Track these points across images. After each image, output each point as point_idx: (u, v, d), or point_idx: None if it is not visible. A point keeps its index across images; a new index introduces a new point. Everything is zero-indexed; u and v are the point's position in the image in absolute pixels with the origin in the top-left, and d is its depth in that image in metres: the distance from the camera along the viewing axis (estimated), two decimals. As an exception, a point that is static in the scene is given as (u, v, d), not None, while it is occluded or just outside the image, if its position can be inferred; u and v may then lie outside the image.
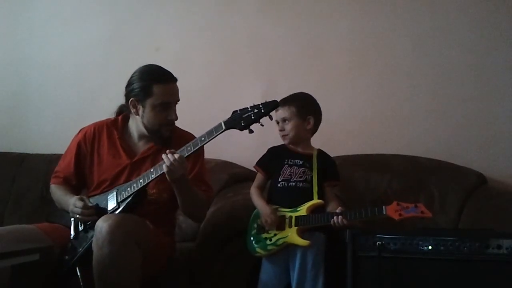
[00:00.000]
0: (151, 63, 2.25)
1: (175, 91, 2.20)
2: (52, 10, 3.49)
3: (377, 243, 2.00)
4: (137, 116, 2.21)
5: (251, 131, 1.95)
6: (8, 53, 3.55)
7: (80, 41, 3.42)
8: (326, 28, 3.05)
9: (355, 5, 3.02)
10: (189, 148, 2.02)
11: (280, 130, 2.31)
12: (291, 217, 2.18)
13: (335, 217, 2.08)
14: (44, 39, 3.50)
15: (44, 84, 3.47)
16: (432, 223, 2.55)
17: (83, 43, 3.41)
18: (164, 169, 1.99)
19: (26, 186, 3.10)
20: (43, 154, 3.21)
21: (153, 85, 2.14)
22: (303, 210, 2.18)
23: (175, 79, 2.21)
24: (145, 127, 2.21)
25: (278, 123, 2.31)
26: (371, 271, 2.00)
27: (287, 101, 2.31)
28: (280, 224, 2.19)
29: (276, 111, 2.25)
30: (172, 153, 2.00)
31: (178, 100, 2.22)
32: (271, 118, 1.98)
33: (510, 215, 2.37)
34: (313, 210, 2.18)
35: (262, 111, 1.92)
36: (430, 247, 1.97)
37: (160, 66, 2.22)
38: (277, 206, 2.24)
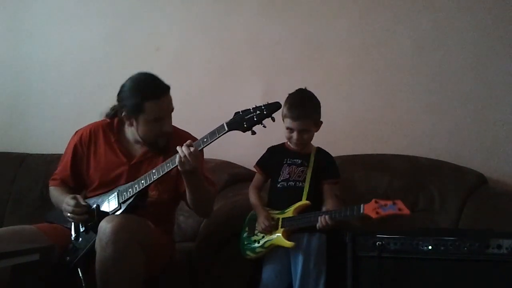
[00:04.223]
0: (143, 72, 2.19)
1: (168, 103, 2.15)
2: (52, 10, 3.49)
3: (377, 243, 2.00)
4: (132, 127, 2.19)
5: (253, 133, 1.94)
6: (8, 53, 3.55)
7: (80, 41, 3.42)
8: (326, 28, 3.05)
9: (355, 5, 3.02)
10: None
11: (296, 139, 2.23)
12: (278, 219, 2.19)
13: (319, 220, 2.07)
14: (44, 39, 3.50)
15: (44, 84, 3.47)
16: (432, 223, 2.55)
17: (83, 43, 3.41)
18: (177, 160, 1.98)
19: (26, 186, 3.11)
20: (43, 154, 3.21)
21: (145, 102, 2.10)
22: (290, 212, 2.18)
23: (167, 90, 2.15)
24: (141, 138, 2.20)
25: (291, 130, 2.24)
26: (371, 271, 2.00)
27: (306, 112, 2.22)
28: None
29: (294, 120, 2.20)
30: (188, 146, 1.97)
31: (172, 110, 2.19)
32: (273, 119, 1.97)
33: (510, 215, 2.37)
34: (301, 211, 2.17)
35: (265, 112, 1.92)
36: (430, 247, 1.97)
37: (152, 76, 2.16)
38: (268, 209, 2.25)
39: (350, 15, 3.03)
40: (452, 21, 2.88)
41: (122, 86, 2.18)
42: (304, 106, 2.24)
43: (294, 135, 2.23)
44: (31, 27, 3.52)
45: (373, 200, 2.00)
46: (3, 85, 3.54)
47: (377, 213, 1.96)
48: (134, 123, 2.16)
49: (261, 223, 2.20)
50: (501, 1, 2.83)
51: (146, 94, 2.10)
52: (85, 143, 2.27)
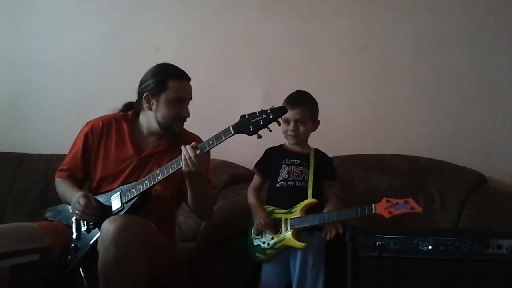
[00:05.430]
0: (164, 62, 2.27)
1: (189, 89, 2.24)
2: (52, 10, 3.49)
3: (377, 243, 2.00)
4: (150, 111, 2.22)
5: (259, 137, 1.94)
6: (8, 53, 3.55)
7: (80, 41, 3.42)
8: (326, 28, 3.05)
9: (355, 5, 3.03)
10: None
11: (292, 130, 2.28)
12: (286, 219, 2.19)
13: (329, 232, 2.13)
14: (44, 39, 3.50)
15: (44, 84, 3.47)
16: (432, 223, 2.55)
17: (83, 43, 3.41)
18: (182, 162, 1.98)
19: (26, 186, 3.10)
20: (43, 154, 3.21)
21: (168, 80, 2.17)
22: (297, 211, 2.19)
23: (189, 78, 2.24)
24: (158, 122, 2.21)
25: (287, 122, 2.28)
26: (371, 271, 2.00)
27: (301, 102, 2.29)
28: (277, 227, 2.21)
29: (290, 110, 2.22)
30: (194, 148, 1.98)
31: (191, 99, 2.24)
32: (279, 124, 1.99)
33: (510, 215, 2.38)
34: (308, 210, 2.18)
35: (271, 116, 1.91)
36: (430, 247, 1.97)
37: (175, 65, 2.25)
38: (274, 208, 2.25)
39: (350, 15, 3.03)
40: (452, 21, 2.89)
41: (145, 74, 2.25)
42: (300, 97, 2.32)
43: (290, 126, 2.25)
44: (31, 27, 3.52)
45: (384, 199, 2.01)
46: (3, 85, 3.53)
47: (389, 212, 1.99)
48: (154, 104, 2.19)
49: (261, 219, 2.21)
50: (500, 2, 2.83)
51: (170, 73, 2.20)
52: (97, 133, 2.27)
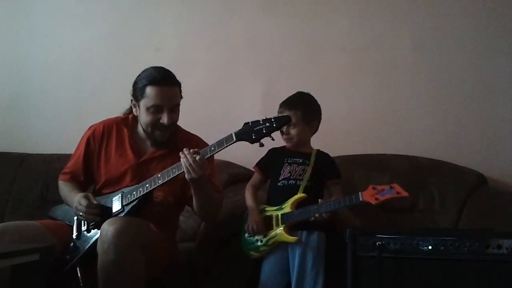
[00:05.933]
0: (157, 65, 2.23)
1: (170, 95, 2.16)
2: (52, 10, 3.49)
3: (377, 243, 2.00)
4: (137, 116, 2.23)
5: (261, 145, 1.94)
6: (9, 53, 3.55)
7: (80, 41, 3.42)
8: (326, 28, 3.05)
9: (355, 5, 3.02)
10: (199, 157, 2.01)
11: (285, 134, 2.27)
12: (277, 215, 2.19)
13: (315, 215, 2.10)
14: (44, 39, 3.50)
15: (44, 84, 3.47)
16: (432, 223, 2.56)
17: (83, 43, 3.41)
18: (183, 167, 1.98)
19: (26, 186, 3.10)
20: (43, 154, 3.21)
21: (147, 87, 2.13)
22: (287, 207, 2.19)
23: (173, 83, 2.17)
24: (142, 127, 2.22)
25: None
26: (371, 271, 2.00)
27: (292, 105, 2.28)
28: (269, 223, 2.21)
29: (281, 113, 2.25)
30: (193, 153, 1.98)
31: (176, 105, 2.18)
32: (282, 133, 1.99)
33: (510, 215, 2.38)
34: (298, 205, 2.18)
35: (274, 125, 1.91)
36: (430, 247, 1.97)
37: (164, 69, 2.20)
38: (265, 206, 2.26)
39: (350, 15, 3.03)
40: (452, 21, 2.89)
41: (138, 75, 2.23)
42: (293, 101, 2.31)
43: (284, 130, 2.25)
44: (31, 27, 3.52)
45: (370, 187, 2.03)
46: (3, 85, 3.53)
47: (376, 199, 1.99)
48: (138, 110, 2.20)
49: (254, 223, 2.21)
50: (500, 2, 2.83)
51: (150, 79, 2.15)
52: (98, 138, 2.28)
